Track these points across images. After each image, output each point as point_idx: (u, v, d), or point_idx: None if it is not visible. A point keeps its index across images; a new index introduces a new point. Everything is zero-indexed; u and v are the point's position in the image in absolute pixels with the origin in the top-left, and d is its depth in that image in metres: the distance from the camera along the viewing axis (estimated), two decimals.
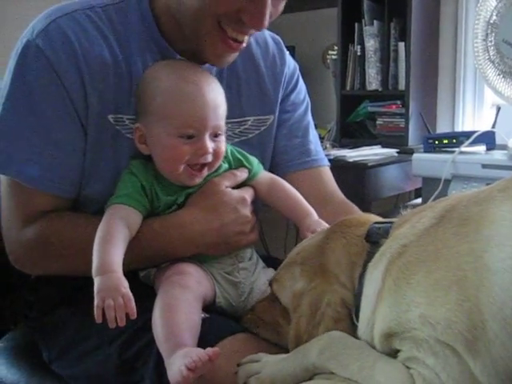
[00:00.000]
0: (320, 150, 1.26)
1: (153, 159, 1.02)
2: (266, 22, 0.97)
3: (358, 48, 2.93)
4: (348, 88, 2.99)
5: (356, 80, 2.97)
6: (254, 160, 1.10)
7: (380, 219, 0.89)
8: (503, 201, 0.67)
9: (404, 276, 0.69)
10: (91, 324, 1.02)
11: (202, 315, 0.93)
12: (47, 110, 0.98)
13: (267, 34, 1.23)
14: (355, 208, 1.22)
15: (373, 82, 2.89)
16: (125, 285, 0.83)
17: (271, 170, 1.19)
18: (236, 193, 1.05)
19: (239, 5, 0.94)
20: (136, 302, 0.82)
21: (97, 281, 0.83)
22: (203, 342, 0.86)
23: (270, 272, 1.11)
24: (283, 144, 1.21)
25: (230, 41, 0.99)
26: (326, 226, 1.00)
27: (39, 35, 0.98)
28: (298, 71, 1.26)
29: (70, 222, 1.02)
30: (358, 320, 0.78)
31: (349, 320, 0.79)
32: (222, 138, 1.02)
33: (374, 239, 0.81)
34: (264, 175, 1.11)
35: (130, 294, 0.82)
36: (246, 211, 1.04)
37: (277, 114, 1.20)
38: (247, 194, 1.06)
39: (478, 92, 2.87)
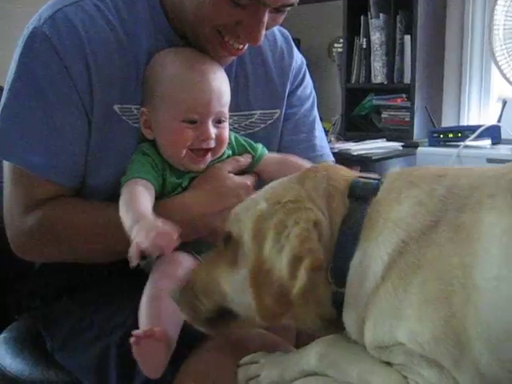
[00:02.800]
0: (325, 146, 1.26)
1: (157, 144, 1.03)
2: (261, 39, 0.99)
3: (364, 41, 2.92)
4: (353, 81, 2.99)
5: (361, 73, 2.96)
6: (259, 145, 1.10)
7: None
8: (491, 210, 0.67)
9: (403, 283, 0.68)
10: (93, 314, 1.03)
11: None
12: (52, 98, 0.98)
13: (276, 28, 1.22)
14: None
15: (378, 75, 2.89)
16: (157, 222, 0.83)
17: None
18: (238, 178, 1.05)
19: (237, 18, 0.95)
20: (136, 293, 0.83)
21: (132, 232, 0.83)
22: (190, 334, 0.87)
23: None
24: (289, 138, 1.21)
25: (230, 46, 1.01)
26: None
27: (46, 23, 0.98)
28: (305, 66, 1.26)
29: (73, 208, 1.03)
30: (331, 276, 0.73)
31: (319, 246, 0.70)
32: (226, 125, 1.03)
33: (357, 194, 0.75)
34: (271, 156, 1.11)
35: (164, 223, 0.83)
36: (248, 197, 1.04)
37: (283, 108, 1.20)
38: (249, 180, 1.07)
39: (484, 86, 2.86)
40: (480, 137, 2.17)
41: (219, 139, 1.01)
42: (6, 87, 1.01)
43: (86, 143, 1.01)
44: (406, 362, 0.67)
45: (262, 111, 1.16)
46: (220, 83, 1.01)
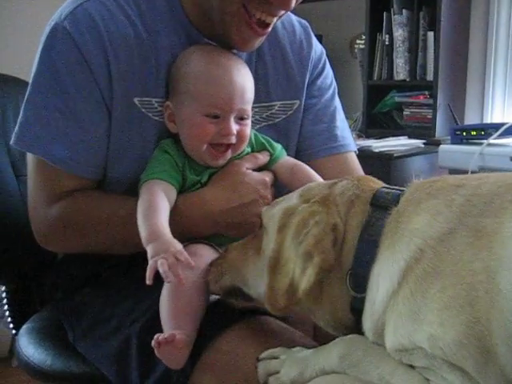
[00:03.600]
0: (347, 136, 1.24)
1: (180, 138, 1.04)
2: (293, 3, 0.97)
3: (386, 37, 2.90)
4: (375, 78, 2.97)
5: (383, 70, 2.94)
6: (278, 145, 1.11)
7: None
8: None
9: (421, 288, 0.68)
10: (114, 305, 1.05)
11: (213, 297, 0.95)
12: (73, 92, 1.00)
13: (294, 18, 1.23)
14: None
15: (400, 71, 2.87)
16: (176, 245, 0.85)
17: (297, 156, 1.19)
18: (257, 175, 1.06)
19: None
20: (157, 283, 0.84)
21: (149, 249, 0.86)
22: (212, 324, 0.88)
23: None
24: (309, 129, 1.21)
25: (256, 25, 1.00)
26: None
27: (67, 18, 1.00)
28: (324, 56, 1.26)
29: (95, 200, 1.04)
30: (351, 282, 0.76)
31: (332, 249, 0.75)
32: (248, 122, 1.04)
33: (379, 203, 0.78)
34: (287, 160, 1.12)
35: (182, 250, 0.85)
36: (267, 193, 1.05)
37: (303, 98, 1.19)
38: (268, 176, 1.07)
39: (509, 83, 2.82)
40: (503, 135, 2.14)
41: (240, 136, 1.02)
42: (30, 81, 1.03)
43: (106, 136, 1.02)
44: (429, 365, 0.67)
45: (281, 102, 1.16)
46: (244, 80, 1.02)
